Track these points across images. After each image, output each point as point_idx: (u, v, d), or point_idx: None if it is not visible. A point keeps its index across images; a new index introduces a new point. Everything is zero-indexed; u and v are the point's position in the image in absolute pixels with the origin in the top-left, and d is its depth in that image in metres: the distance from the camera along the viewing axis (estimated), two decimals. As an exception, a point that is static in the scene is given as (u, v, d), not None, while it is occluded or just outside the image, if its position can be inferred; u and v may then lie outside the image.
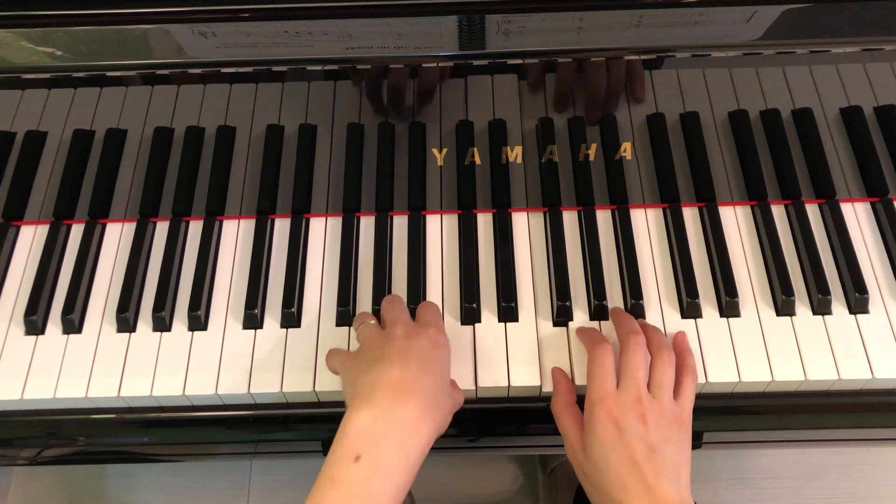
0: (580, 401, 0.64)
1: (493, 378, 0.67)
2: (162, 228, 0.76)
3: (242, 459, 1.28)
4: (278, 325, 0.71)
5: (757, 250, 0.74)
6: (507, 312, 0.70)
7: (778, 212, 0.76)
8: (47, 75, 0.68)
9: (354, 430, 0.55)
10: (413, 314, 0.67)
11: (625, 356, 0.63)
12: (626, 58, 0.66)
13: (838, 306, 0.71)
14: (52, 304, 0.73)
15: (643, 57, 0.67)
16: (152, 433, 0.71)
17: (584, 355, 0.67)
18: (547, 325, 0.70)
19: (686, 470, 0.60)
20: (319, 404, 0.69)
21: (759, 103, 0.73)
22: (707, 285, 0.72)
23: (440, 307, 0.71)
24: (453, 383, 0.65)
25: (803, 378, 0.66)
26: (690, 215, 0.76)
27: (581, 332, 0.68)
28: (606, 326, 0.70)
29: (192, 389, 0.67)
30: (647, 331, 0.66)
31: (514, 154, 0.75)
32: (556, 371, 0.67)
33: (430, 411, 0.57)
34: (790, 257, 0.73)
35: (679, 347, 0.67)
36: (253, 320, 0.70)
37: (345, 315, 0.70)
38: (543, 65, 0.67)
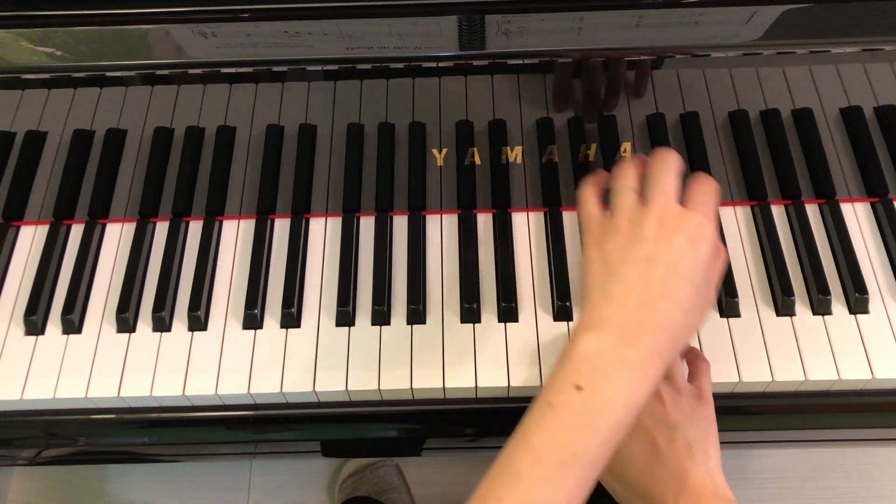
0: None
1: (493, 378, 0.67)
2: (162, 228, 0.76)
3: (242, 459, 1.28)
4: (278, 325, 0.71)
5: (757, 250, 0.74)
6: (507, 312, 0.70)
7: (778, 212, 0.76)
8: (47, 75, 0.68)
9: (579, 357, 0.50)
10: None
11: None
12: (627, 58, 0.66)
13: (838, 306, 0.70)
14: (52, 304, 0.73)
15: (643, 57, 0.67)
16: (152, 433, 0.71)
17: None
18: (547, 325, 0.70)
19: (715, 450, 0.58)
20: (319, 404, 0.69)
21: (759, 103, 0.73)
22: (707, 285, 0.72)
23: (440, 302, 0.71)
24: (717, 251, 0.55)
25: (803, 378, 0.66)
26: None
27: None
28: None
29: (192, 389, 0.67)
30: None
31: (514, 154, 0.75)
32: None
33: (662, 349, 0.51)
34: (790, 257, 0.73)
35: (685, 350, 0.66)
36: (253, 320, 0.70)
37: (345, 315, 0.70)
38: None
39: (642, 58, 0.67)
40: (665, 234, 0.52)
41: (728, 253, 0.57)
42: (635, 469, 0.56)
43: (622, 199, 0.55)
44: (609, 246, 0.53)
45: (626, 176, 0.56)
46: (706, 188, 0.55)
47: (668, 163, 0.55)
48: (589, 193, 0.58)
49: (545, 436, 0.49)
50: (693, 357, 0.64)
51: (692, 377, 0.62)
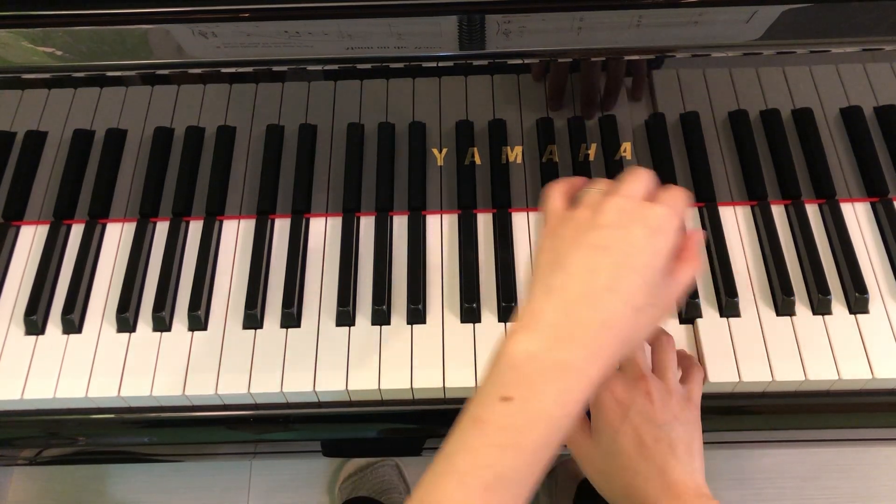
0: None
1: (493, 378, 0.67)
2: (162, 228, 0.76)
3: (242, 459, 1.28)
4: (278, 325, 0.71)
5: (757, 250, 0.74)
6: (508, 312, 0.70)
7: (778, 212, 0.76)
8: (47, 75, 0.68)
9: (508, 363, 0.46)
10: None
11: None
12: (627, 58, 0.66)
13: (838, 306, 0.71)
14: (52, 304, 0.73)
15: (643, 57, 0.67)
16: (152, 433, 0.71)
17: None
18: (547, 325, 0.70)
19: (699, 454, 0.58)
20: (319, 404, 0.69)
21: (759, 103, 0.73)
22: (707, 285, 0.72)
23: (440, 302, 0.71)
24: (690, 249, 0.51)
25: (803, 378, 0.66)
26: (691, 215, 0.76)
27: None
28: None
29: (192, 389, 0.67)
30: None
31: (514, 154, 0.75)
32: None
33: (604, 350, 0.46)
34: (790, 257, 0.73)
35: (681, 355, 0.66)
36: (253, 320, 0.70)
37: (345, 315, 0.70)
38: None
39: (642, 57, 0.67)
40: (623, 223, 0.48)
41: (701, 263, 0.55)
42: (619, 464, 0.57)
43: (588, 195, 0.52)
44: (562, 231, 0.50)
45: (599, 181, 0.53)
46: (676, 191, 0.52)
47: (640, 171, 0.52)
48: (555, 190, 0.54)
49: (469, 457, 0.45)
50: (687, 363, 0.64)
51: (683, 380, 0.62)
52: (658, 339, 0.63)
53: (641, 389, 0.58)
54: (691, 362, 0.65)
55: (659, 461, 0.55)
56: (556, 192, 0.54)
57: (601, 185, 0.52)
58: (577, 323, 0.46)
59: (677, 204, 0.51)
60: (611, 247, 0.47)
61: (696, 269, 0.51)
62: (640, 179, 0.51)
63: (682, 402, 0.59)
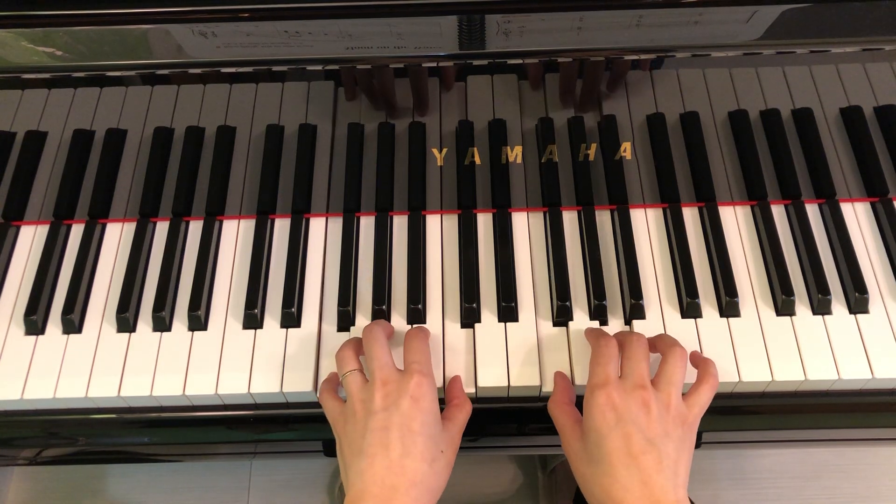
0: (579, 404, 0.63)
1: (493, 378, 0.67)
2: (162, 228, 0.76)
3: (242, 459, 1.28)
4: (278, 325, 0.71)
5: (757, 250, 0.74)
6: (507, 312, 0.70)
7: (778, 212, 0.76)
8: (47, 75, 0.68)
9: None
10: (414, 315, 0.65)
11: (627, 351, 0.63)
12: (627, 58, 0.66)
13: (838, 306, 0.71)
14: (52, 304, 0.73)
15: (643, 57, 0.67)
16: (152, 433, 0.71)
17: (585, 355, 0.67)
18: (547, 325, 0.70)
19: (685, 471, 0.58)
20: (319, 404, 0.69)
21: (759, 103, 0.73)
22: (707, 285, 0.72)
23: (440, 302, 0.71)
24: (458, 395, 0.65)
25: (803, 378, 0.66)
26: (690, 215, 0.76)
27: (588, 330, 0.68)
28: (606, 327, 0.70)
29: (192, 389, 0.67)
30: (657, 336, 0.66)
31: (514, 154, 0.75)
32: (557, 374, 0.67)
33: (417, 501, 0.57)
34: (790, 257, 0.73)
35: (700, 357, 0.66)
36: (253, 320, 0.70)
37: (345, 315, 0.70)
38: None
39: (642, 57, 0.67)
40: (391, 402, 0.59)
41: (471, 404, 0.65)
42: (603, 470, 0.57)
43: (349, 383, 0.62)
44: (350, 428, 0.60)
45: (346, 361, 0.64)
46: (413, 347, 0.64)
47: (373, 337, 0.63)
48: (325, 394, 0.65)
49: None
50: (703, 375, 0.63)
51: (688, 395, 0.61)
52: (672, 351, 0.62)
53: (639, 399, 0.58)
54: (706, 371, 0.63)
55: (642, 473, 0.55)
56: (327, 394, 0.64)
57: (350, 364, 0.63)
58: (391, 489, 0.56)
59: (422, 363, 0.62)
60: (390, 425, 0.58)
61: (469, 412, 0.64)
62: (378, 345, 0.63)
63: (678, 419, 0.59)
